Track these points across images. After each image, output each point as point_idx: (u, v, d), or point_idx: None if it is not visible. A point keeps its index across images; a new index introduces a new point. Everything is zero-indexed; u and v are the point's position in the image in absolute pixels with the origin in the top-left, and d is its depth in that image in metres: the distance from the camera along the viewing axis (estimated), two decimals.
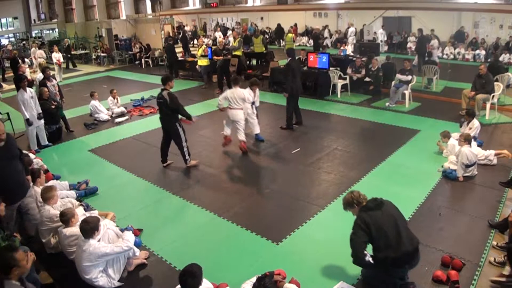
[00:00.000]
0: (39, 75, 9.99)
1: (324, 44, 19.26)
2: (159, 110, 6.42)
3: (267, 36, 21.90)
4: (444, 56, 15.50)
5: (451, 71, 12.15)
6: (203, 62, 12.81)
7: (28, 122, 7.41)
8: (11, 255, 3.01)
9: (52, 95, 8.40)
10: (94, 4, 30.61)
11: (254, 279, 3.30)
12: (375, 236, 3.34)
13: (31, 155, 6.30)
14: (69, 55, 19.06)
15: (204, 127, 8.60)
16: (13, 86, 13.38)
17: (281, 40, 22.26)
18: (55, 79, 9.72)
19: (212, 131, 8.39)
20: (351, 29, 19.50)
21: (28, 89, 7.46)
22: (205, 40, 20.41)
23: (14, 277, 3.00)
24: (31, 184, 4.71)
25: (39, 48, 18.89)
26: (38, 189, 4.61)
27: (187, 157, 6.50)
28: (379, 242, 3.35)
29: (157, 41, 18.28)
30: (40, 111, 7.63)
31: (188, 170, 6.54)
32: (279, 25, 23.14)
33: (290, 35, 15.63)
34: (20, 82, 7.53)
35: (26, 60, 16.02)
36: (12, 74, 14.59)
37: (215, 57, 12.38)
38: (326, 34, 21.48)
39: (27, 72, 12.80)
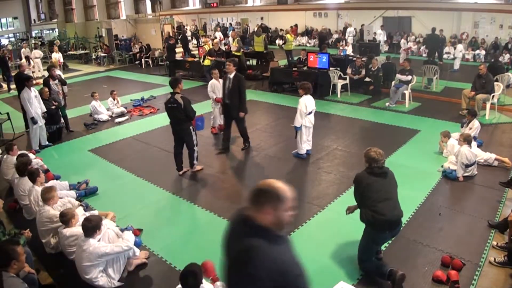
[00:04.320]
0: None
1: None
2: (169, 115, 5.97)
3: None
4: (445, 56, 15.49)
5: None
6: (206, 62, 12.85)
7: (33, 121, 7.45)
8: (12, 248, 3.07)
9: (54, 93, 8.41)
10: (94, 4, 30.52)
11: None
12: (366, 195, 3.64)
13: (31, 155, 6.30)
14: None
15: (204, 128, 8.56)
16: (12, 86, 13.46)
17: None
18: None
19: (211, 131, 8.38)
20: (350, 29, 19.49)
21: (32, 88, 7.53)
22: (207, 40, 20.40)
23: (13, 270, 3.03)
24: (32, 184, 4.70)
25: (35, 48, 18.75)
26: (38, 189, 4.62)
27: (195, 161, 6.28)
28: (367, 201, 3.62)
29: (157, 41, 18.27)
30: (45, 110, 7.75)
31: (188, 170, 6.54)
32: (262, 24, 23.22)
33: (289, 36, 15.51)
34: (25, 81, 7.58)
35: (30, 60, 15.92)
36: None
37: (208, 57, 12.36)
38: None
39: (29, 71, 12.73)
